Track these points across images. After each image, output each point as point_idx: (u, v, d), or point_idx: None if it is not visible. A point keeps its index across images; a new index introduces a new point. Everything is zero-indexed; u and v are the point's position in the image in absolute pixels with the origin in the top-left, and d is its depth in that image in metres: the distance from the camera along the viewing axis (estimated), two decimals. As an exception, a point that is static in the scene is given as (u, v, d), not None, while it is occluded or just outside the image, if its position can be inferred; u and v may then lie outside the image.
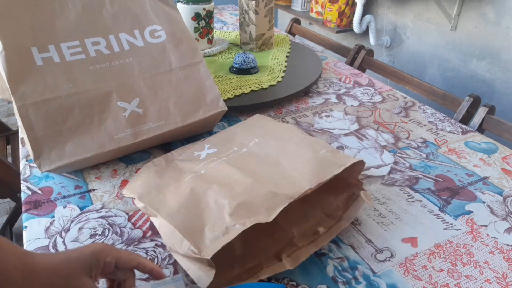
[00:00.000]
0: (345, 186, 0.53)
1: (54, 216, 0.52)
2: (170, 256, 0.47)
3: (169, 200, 0.46)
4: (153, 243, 0.48)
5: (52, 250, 0.47)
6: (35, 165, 0.60)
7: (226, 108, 0.66)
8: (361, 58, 1.14)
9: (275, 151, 0.53)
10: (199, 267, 0.40)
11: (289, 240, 0.47)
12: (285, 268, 0.44)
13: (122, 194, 0.53)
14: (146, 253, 0.47)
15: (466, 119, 0.85)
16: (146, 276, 0.43)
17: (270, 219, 0.41)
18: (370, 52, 1.14)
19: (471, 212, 0.54)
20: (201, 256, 0.38)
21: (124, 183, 0.59)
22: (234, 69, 0.92)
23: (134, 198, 0.51)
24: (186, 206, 0.44)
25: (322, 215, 0.51)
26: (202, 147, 0.58)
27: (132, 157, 0.65)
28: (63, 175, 0.60)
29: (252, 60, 0.92)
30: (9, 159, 1.46)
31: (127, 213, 0.53)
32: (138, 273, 0.40)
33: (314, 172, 0.47)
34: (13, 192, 1.11)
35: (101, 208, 0.54)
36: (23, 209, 0.53)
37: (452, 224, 0.52)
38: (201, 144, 0.59)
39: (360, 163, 0.50)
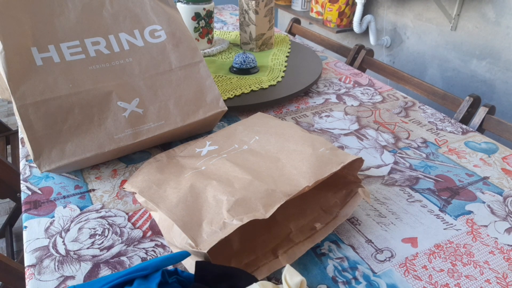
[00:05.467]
0: (344, 183, 0.53)
1: (54, 216, 0.52)
2: (170, 256, 0.47)
3: (169, 195, 0.47)
4: (153, 243, 0.48)
5: (52, 250, 0.47)
6: (35, 165, 0.60)
7: (226, 108, 0.66)
8: (361, 58, 1.14)
9: (275, 149, 0.53)
10: (196, 260, 0.40)
11: (286, 235, 0.48)
12: (281, 265, 0.44)
13: (124, 188, 0.53)
14: (146, 253, 0.47)
15: (466, 119, 0.85)
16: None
17: (267, 215, 0.41)
18: (370, 52, 1.14)
19: (471, 212, 0.54)
20: (198, 250, 0.39)
21: (124, 183, 0.59)
22: (234, 69, 0.92)
23: (135, 193, 0.51)
24: (185, 201, 0.45)
25: (320, 211, 0.51)
26: (203, 144, 0.58)
27: (132, 157, 0.65)
28: (63, 175, 0.60)
29: (252, 60, 0.92)
30: (9, 159, 1.46)
31: (127, 213, 0.53)
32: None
33: (313, 169, 0.47)
34: (13, 192, 1.11)
35: (101, 208, 0.54)
36: (23, 209, 0.53)
37: (452, 224, 0.52)
38: (203, 141, 0.59)
39: (359, 161, 0.50)
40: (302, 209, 0.51)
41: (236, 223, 0.40)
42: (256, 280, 0.37)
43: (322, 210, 0.51)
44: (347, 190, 0.52)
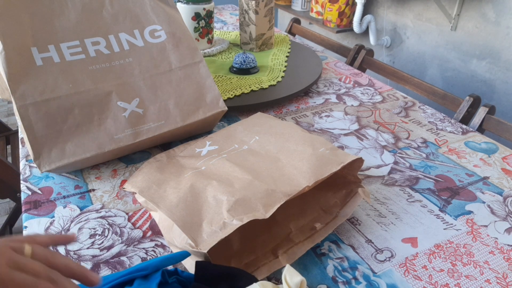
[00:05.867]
0: (344, 183, 0.53)
1: (54, 216, 0.52)
2: (170, 256, 0.47)
3: (169, 195, 0.47)
4: (153, 243, 0.48)
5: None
6: (35, 165, 0.60)
7: (226, 108, 0.66)
8: (361, 58, 1.14)
9: (275, 148, 0.53)
10: (196, 260, 0.40)
11: (286, 235, 0.48)
12: (281, 265, 0.44)
13: (124, 188, 0.53)
14: (146, 253, 0.47)
15: (466, 119, 0.85)
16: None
17: (267, 215, 0.41)
18: (370, 52, 1.14)
19: (471, 212, 0.54)
20: (198, 250, 0.39)
21: (124, 183, 0.59)
22: (234, 69, 0.92)
23: (135, 193, 0.51)
24: (185, 201, 0.45)
25: (320, 211, 0.51)
26: (203, 144, 0.58)
27: (132, 157, 0.65)
28: (63, 175, 0.60)
29: (252, 60, 0.92)
30: (9, 159, 1.46)
31: (127, 213, 0.53)
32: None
33: (312, 169, 0.47)
34: (13, 192, 1.11)
35: (101, 208, 0.54)
36: (23, 209, 0.53)
37: (452, 224, 0.52)
38: (203, 141, 0.59)
39: (359, 161, 0.50)
40: (302, 209, 0.51)
41: (236, 223, 0.40)
42: (256, 280, 0.37)
43: (322, 210, 0.51)
44: (347, 190, 0.52)
